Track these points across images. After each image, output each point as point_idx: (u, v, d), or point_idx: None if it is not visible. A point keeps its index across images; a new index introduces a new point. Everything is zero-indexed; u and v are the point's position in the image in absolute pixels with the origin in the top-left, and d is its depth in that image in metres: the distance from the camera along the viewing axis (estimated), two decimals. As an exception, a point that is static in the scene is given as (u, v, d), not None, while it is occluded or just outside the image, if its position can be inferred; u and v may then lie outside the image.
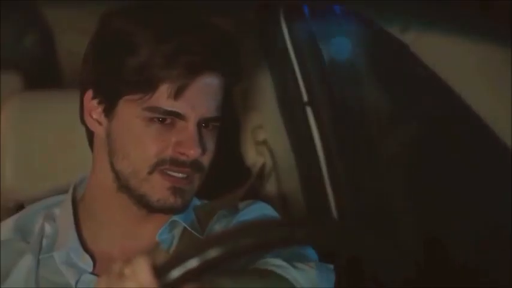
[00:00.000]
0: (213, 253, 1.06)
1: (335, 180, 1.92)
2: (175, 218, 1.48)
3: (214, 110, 1.44)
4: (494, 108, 1.55)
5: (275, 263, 1.36)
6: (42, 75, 2.22)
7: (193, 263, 1.06)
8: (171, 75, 1.39)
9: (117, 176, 1.45)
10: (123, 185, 1.45)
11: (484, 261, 1.81)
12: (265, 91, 1.92)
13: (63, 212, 1.52)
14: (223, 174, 1.49)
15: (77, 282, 1.46)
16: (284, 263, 1.36)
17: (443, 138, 1.92)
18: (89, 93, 1.46)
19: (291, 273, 1.36)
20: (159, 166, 1.42)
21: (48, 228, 1.52)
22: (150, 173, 1.42)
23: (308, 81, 1.91)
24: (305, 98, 1.92)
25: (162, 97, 1.40)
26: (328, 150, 1.92)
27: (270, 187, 1.93)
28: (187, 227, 1.49)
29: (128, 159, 1.43)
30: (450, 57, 1.53)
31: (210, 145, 1.45)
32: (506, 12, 1.47)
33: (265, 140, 1.92)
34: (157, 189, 1.43)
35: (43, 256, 1.49)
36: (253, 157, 1.92)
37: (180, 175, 1.43)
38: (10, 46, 2.21)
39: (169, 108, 1.41)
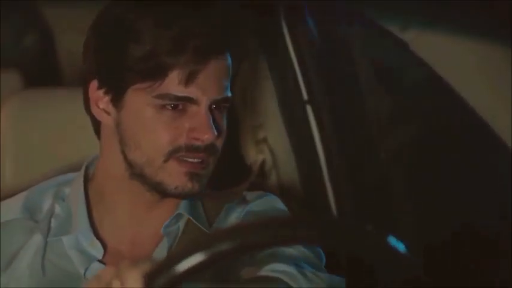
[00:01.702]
0: (198, 257, 1.06)
1: (335, 179, 1.92)
2: (181, 211, 1.47)
3: (224, 90, 1.42)
4: (494, 108, 1.55)
5: (284, 270, 1.34)
6: (42, 74, 2.22)
7: (179, 269, 1.06)
8: (180, 62, 1.38)
9: (130, 165, 1.43)
10: (137, 173, 1.43)
11: (484, 261, 1.81)
12: (266, 90, 1.92)
13: (74, 193, 1.50)
14: (224, 173, 1.49)
15: (86, 271, 1.44)
16: (294, 271, 1.34)
17: (443, 138, 1.92)
18: (94, 83, 1.43)
19: (298, 282, 1.33)
20: (174, 154, 1.40)
21: (57, 208, 1.50)
22: (166, 161, 1.40)
23: (308, 80, 1.91)
24: (305, 96, 1.92)
25: (173, 83, 1.38)
26: (328, 149, 1.91)
27: (270, 185, 1.92)
28: (192, 219, 1.47)
29: (140, 149, 1.41)
30: (450, 56, 1.54)
31: (222, 126, 1.43)
32: (506, 12, 1.47)
33: (266, 138, 1.92)
34: (174, 176, 1.41)
35: (51, 239, 1.46)
36: (254, 155, 1.92)
37: (196, 160, 1.41)
38: (10, 46, 2.21)
39: (181, 94, 1.39)
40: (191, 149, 1.40)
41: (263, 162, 1.91)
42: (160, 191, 1.43)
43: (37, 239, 1.47)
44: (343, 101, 2.00)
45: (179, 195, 1.43)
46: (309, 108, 1.91)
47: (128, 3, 1.42)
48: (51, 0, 2.16)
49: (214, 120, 1.41)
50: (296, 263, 1.36)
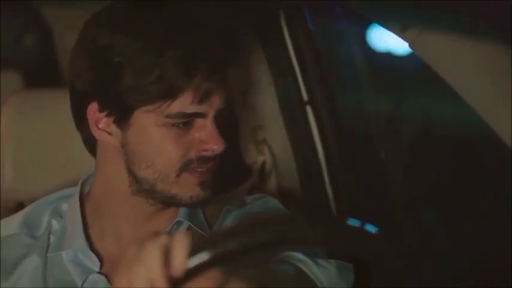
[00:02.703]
0: (230, 245, 1.07)
1: (335, 180, 1.92)
2: (180, 218, 1.48)
3: (225, 100, 1.43)
4: (494, 108, 1.55)
5: (297, 257, 1.37)
6: (42, 74, 2.22)
7: (204, 256, 1.07)
8: (194, 83, 1.38)
9: (139, 181, 1.43)
10: (146, 189, 1.43)
11: (484, 261, 1.81)
12: (266, 91, 1.92)
13: (71, 210, 1.51)
14: (224, 175, 1.49)
15: (83, 282, 1.46)
16: (306, 258, 1.37)
17: (443, 138, 1.92)
18: (94, 106, 1.42)
19: (311, 268, 1.37)
20: (186, 167, 1.41)
21: (55, 224, 1.51)
22: (179, 175, 1.42)
23: (308, 81, 1.91)
24: (305, 97, 1.92)
25: (185, 102, 1.38)
26: (328, 149, 1.92)
27: (270, 186, 1.93)
28: (192, 225, 1.48)
29: (153, 167, 1.41)
30: (450, 56, 1.53)
31: (223, 133, 1.44)
32: (506, 12, 1.47)
33: (266, 139, 1.92)
34: (188, 188, 1.42)
35: (51, 255, 1.48)
36: (254, 156, 1.92)
37: (205, 169, 1.43)
38: (10, 46, 2.21)
39: (192, 111, 1.39)
40: (202, 160, 1.42)
41: (263, 163, 1.91)
42: (174, 204, 1.45)
43: (33, 257, 1.48)
44: (343, 101, 2.00)
45: (194, 205, 1.45)
46: (309, 109, 1.92)
47: (114, 30, 1.39)
48: (51, 0, 2.16)
49: (220, 130, 1.42)
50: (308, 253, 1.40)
